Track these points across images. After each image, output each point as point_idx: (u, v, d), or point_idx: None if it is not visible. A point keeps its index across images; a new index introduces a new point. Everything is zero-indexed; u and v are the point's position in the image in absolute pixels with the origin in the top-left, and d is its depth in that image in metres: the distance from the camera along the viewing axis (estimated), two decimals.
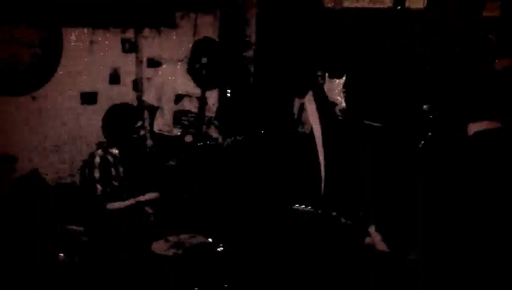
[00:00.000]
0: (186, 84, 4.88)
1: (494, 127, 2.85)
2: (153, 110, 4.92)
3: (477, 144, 2.81)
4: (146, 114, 4.92)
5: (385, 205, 3.81)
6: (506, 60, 4.35)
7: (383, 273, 3.16)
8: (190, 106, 4.92)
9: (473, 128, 2.87)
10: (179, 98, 4.87)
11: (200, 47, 4.86)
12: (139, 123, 4.08)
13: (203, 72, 4.80)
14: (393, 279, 3.11)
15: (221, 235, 3.72)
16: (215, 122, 5.07)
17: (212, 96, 5.01)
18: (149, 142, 4.89)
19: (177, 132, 4.90)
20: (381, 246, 3.14)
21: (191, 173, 4.79)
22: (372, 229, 3.14)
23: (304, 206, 3.89)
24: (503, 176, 2.72)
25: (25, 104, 4.95)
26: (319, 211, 3.78)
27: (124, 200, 4.01)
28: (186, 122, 4.91)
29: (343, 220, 3.52)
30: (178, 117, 4.91)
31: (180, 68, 4.90)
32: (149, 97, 4.93)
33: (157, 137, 4.93)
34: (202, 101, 4.90)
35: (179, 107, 4.89)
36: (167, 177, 4.56)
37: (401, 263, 3.09)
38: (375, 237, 3.17)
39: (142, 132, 4.10)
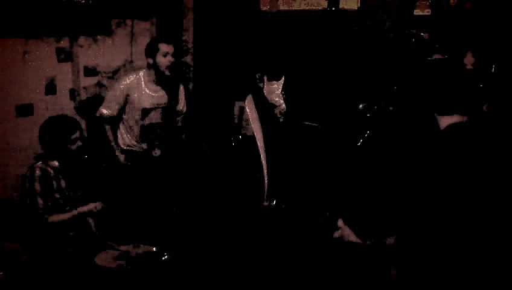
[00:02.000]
0: (153, 96, 4.75)
1: (463, 120, 2.89)
2: (113, 123, 4.80)
3: (451, 137, 2.84)
4: (108, 128, 4.78)
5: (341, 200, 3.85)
6: (438, 56, 4.48)
7: (359, 263, 3.19)
8: (157, 117, 4.80)
9: (444, 121, 2.89)
10: (146, 111, 4.75)
11: (154, 46, 4.70)
12: (77, 134, 4.00)
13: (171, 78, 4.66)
14: (369, 268, 3.14)
15: (167, 244, 3.69)
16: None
17: (179, 104, 4.91)
18: (121, 156, 4.78)
19: (144, 146, 4.79)
20: (352, 237, 3.17)
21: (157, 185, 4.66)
22: (340, 222, 3.16)
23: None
24: (475, 167, 2.78)
25: None
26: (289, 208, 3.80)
27: (66, 213, 3.94)
28: (153, 136, 4.79)
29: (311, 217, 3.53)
30: (146, 131, 4.77)
31: (145, 78, 4.74)
32: (108, 110, 4.74)
33: (126, 152, 4.80)
34: (169, 110, 4.79)
35: (147, 120, 4.76)
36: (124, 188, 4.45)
37: (375, 250, 3.11)
38: (344, 230, 3.19)
39: (79, 143, 4.01)
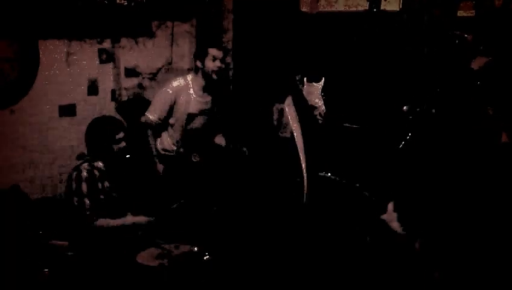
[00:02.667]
0: (200, 101, 4.78)
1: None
2: (157, 128, 4.83)
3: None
4: (150, 132, 4.82)
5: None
6: (482, 59, 4.40)
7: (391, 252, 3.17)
8: (201, 122, 4.83)
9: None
10: (191, 116, 4.79)
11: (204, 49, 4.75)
12: (121, 135, 4.04)
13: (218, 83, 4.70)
14: (398, 260, 3.12)
15: (210, 244, 3.70)
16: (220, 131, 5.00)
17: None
18: (159, 164, 4.81)
19: (183, 151, 4.82)
20: (396, 225, 3.15)
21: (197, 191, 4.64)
22: (390, 205, 3.13)
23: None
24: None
25: (3, 118, 4.89)
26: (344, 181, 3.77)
27: (113, 216, 3.97)
28: (194, 140, 4.81)
29: (366, 193, 3.51)
30: (188, 136, 4.81)
31: (193, 84, 4.78)
32: (154, 114, 4.78)
33: (162, 157, 4.83)
34: (212, 114, 4.81)
35: (191, 125, 4.80)
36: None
37: (408, 247, 3.09)
38: (390, 215, 3.17)
39: (123, 144, 4.05)
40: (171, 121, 4.76)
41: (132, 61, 5.59)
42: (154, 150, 4.81)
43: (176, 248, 3.72)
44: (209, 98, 4.80)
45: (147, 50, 5.65)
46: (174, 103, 4.71)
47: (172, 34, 5.80)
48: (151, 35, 5.67)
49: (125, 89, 5.56)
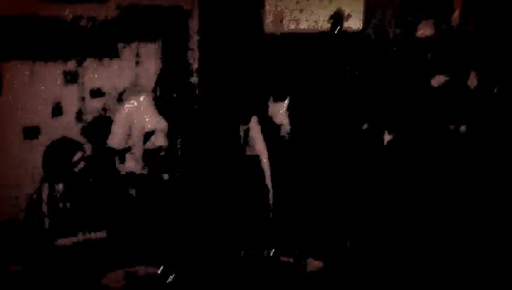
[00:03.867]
0: (154, 119, 4.72)
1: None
2: (122, 153, 4.80)
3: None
4: (117, 160, 4.78)
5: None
6: (441, 77, 4.51)
7: None
8: (160, 141, 4.78)
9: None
10: (148, 135, 4.77)
11: (169, 76, 4.71)
12: (79, 156, 4.03)
13: (173, 103, 4.64)
14: None
15: (176, 266, 3.69)
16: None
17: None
18: (131, 191, 4.77)
19: (147, 171, 4.77)
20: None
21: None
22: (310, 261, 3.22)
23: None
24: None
25: None
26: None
27: (74, 236, 3.95)
28: (158, 160, 4.80)
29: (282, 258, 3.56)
30: (149, 156, 4.78)
31: (146, 102, 4.75)
32: (116, 140, 4.71)
33: (129, 179, 4.80)
34: (171, 132, 4.77)
35: (149, 145, 4.77)
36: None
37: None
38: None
39: (82, 165, 4.04)
40: (130, 143, 4.74)
41: (97, 82, 5.57)
42: (121, 174, 4.78)
43: (142, 270, 3.69)
44: (166, 116, 4.77)
45: (112, 71, 5.64)
46: (131, 124, 4.69)
47: (138, 55, 5.80)
48: (117, 55, 5.67)
49: (91, 110, 5.53)
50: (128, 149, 4.75)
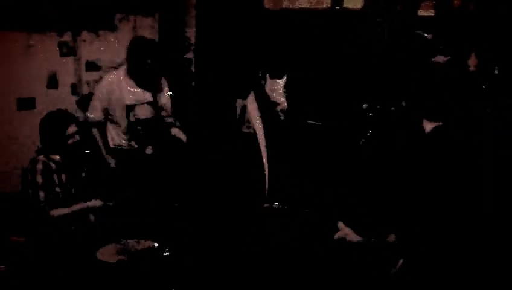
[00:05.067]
0: (133, 92, 4.69)
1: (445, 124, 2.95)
2: (102, 125, 4.76)
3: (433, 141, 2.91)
4: (95, 131, 4.74)
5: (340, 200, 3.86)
6: (441, 58, 4.47)
7: (362, 262, 3.20)
8: (144, 113, 4.77)
9: (428, 126, 2.96)
10: (129, 108, 4.74)
11: (139, 47, 4.64)
12: (73, 129, 4.01)
13: (149, 73, 4.61)
14: (373, 266, 3.16)
15: (170, 240, 3.68)
16: (177, 123, 4.93)
17: (164, 100, 4.86)
18: (109, 159, 4.75)
19: (134, 144, 4.77)
20: (354, 237, 3.19)
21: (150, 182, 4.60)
22: (340, 224, 3.19)
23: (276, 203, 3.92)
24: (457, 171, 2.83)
25: None
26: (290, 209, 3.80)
27: (68, 207, 3.95)
28: (143, 132, 4.75)
29: (313, 217, 3.54)
30: (133, 128, 4.76)
31: (124, 75, 4.67)
32: (95, 113, 4.73)
33: (115, 152, 4.77)
34: (155, 105, 4.76)
35: (132, 117, 4.75)
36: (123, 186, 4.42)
37: (378, 247, 3.14)
38: (344, 230, 3.21)
39: (77, 138, 4.03)
40: (111, 116, 4.70)
41: (93, 55, 5.53)
42: (103, 147, 4.74)
43: (136, 244, 3.68)
44: (146, 88, 4.71)
45: (108, 44, 5.59)
46: (110, 97, 4.64)
47: (135, 28, 5.74)
48: (114, 28, 5.62)
49: (87, 82, 5.49)
50: (102, 123, 4.71)
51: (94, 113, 4.70)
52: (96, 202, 4.04)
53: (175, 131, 4.94)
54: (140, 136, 4.73)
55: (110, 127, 4.76)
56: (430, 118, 2.96)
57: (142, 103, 4.70)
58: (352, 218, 3.20)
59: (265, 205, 3.99)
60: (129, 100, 4.64)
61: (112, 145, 4.77)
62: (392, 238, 3.02)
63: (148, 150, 4.73)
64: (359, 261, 3.14)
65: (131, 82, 4.64)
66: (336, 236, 3.18)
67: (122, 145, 4.76)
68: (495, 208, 2.80)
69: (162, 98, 4.79)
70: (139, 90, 4.66)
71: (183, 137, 4.93)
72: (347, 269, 3.16)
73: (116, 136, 4.77)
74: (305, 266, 3.33)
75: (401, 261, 2.95)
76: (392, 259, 2.99)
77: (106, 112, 4.68)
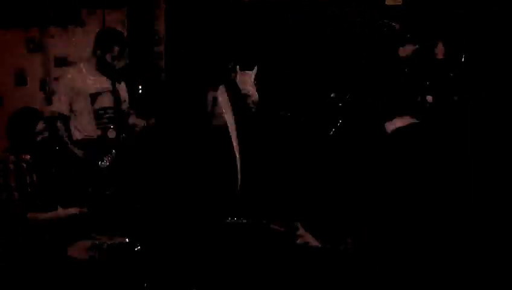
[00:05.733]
0: (96, 81, 4.71)
1: (407, 123, 2.97)
2: (66, 118, 4.72)
3: (396, 141, 2.94)
4: (60, 125, 4.70)
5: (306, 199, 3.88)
6: (410, 47, 4.51)
7: (320, 267, 3.22)
8: (106, 102, 4.77)
9: (390, 127, 2.99)
10: (93, 97, 4.71)
11: (105, 38, 4.61)
12: (41, 126, 3.96)
13: (111, 63, 4.63)
14: (330, 270, 3.17)
15: (142, 234, 3.67)
16: (133, 110, 4.90)
17: (122, 90, 4.85)
18: (77, 151, 4.70)
19: (99, 132, 4.73)
20: (314, 242, 3.22)
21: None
22: (300, 230, 3.22)
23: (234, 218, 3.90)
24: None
25: None
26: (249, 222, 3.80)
27: (43, 209, 3.89)
28: (107, 120, 4.73)
29: (272, 226, 3.56)
30: (100, 116, 4.73)
31: (86, 66, 4.72)
32: (58, 106, 4.70)
33: (83, 143, 4.73)
34: (115, 93, 4.73)
35: (97, 106, 4.73)
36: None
37: (335, 253, 3.16)
38: (305, 236, 3.24)
39: (45, 134, 3.97)
40: (75, 106, 4.68)
41: (62, 51, 5.46)
42: (67, 140, 4.71)
43: (109, 240, 3.67)
44: (105, 78, 4.71)
45: (77, 38, 5.53)
46: (73, 89, 4.63)
47: (103, 22, 5.68)
48: (81, 23, 5.55)
49: (56, 78, 5.43)
50: (66, 116, 4.68)
51: (59, 106, 4.66)
52: (72, 210, 3.98)
53: (133, 119, 4.92)
54: (104, 123, 4.71)
55: (73, 119, 4.73)
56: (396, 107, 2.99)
57: (104, 92, 4.68)
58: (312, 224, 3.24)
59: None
60: (92, 89, 4.63)
61: (74, 138, 4.74)
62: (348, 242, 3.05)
63: (111, 134, 4.70)
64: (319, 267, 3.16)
65: (95, 72, 4.63)
66: (298, 241, 3.21)
67: (87, 136, 4.73)
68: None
69: (121, 89, 4.79)
70: (101, 80, 4.65)
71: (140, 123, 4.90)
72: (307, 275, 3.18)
73: (86, 127, 4.73)
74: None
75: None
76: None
77: (70, 104, 4.65)
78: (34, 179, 3.94)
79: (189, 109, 4.79)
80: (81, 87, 4.61)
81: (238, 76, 5.05)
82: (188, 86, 4.99)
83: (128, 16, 5.79)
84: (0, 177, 3.83)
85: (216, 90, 4.61)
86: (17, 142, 3.95)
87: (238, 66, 5.01)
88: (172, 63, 5.76)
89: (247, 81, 5.07)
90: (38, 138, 3.94)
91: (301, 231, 3.21)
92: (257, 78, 4.96)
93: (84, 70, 4.64)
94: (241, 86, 4.95)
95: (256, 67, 4.98)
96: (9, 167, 3.85)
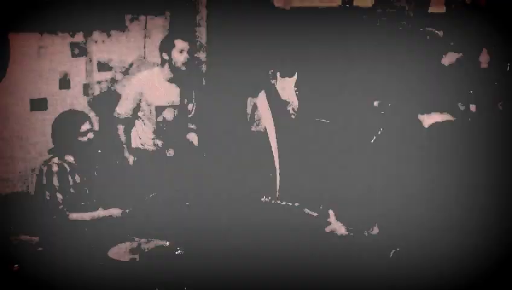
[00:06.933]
0: (165, 93, 4.74)
1: (447, 120, 2.95)
2: (128, 123, 4.78)
3: (431, 136, 2.92)
4: (121, 129, 4.77)
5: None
6: (452, 55, 4.45)
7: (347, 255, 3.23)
8: (171, 115, 4.81)
9: (427, 121, 2.97)
10: (160, 109, 4.76)
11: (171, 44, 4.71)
12: (87, 127, 4.01)
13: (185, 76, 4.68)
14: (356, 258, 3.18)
15: (182, 238, 3.69)
16: (193, 126, 4.95)
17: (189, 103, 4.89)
18: (130, 158, 4.77)
19: (158, 144, 4.80)
20: (343, 230, 3.22)
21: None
22: (331, 218, 3.22)
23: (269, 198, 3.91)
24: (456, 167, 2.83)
25: None
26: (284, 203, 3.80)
27: (85, 210, 3.96)
28: (167, 133, 4.78)
29: (306, 210, 3.56)
30: (160, 129, 4.77)
31: (158, 74, 4.76)
32: (123, 110, 4.77)
33: (137, 152, 4.79)
34: (180, 109, 4.78)
35: (161, 118, 4.77)
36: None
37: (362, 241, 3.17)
38: (335, 225, 3.24)
39: (90, 136, 4.02)
40: (140, 114, 4.74)
41: (105, 55, 5.55)
42: (124, 144, 4.77)
43: (148, 242, 3.70)
44: (177, 91, 4.76)
45: (119, 44, 5.61)
46: (141, 95, 4.68)
47: (145, 28, 5.76)
48: (124, 28, 5.64)
49: (98, 83, 5.52)
50: (130, 121, 4.73)
51: (123, 110, 4.72)
52: (114, 211, 4.04)
53: (191, 136, 4.96)
54: (166, 137, 4.75)
55: (137, 124, 4.78)
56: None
57: (172, 106, 4.73)
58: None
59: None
60: (161, 102, 4.67)
61: (136, 144, 4.80)
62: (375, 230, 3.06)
63: (170, 152, 4.76)
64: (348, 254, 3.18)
65: (167, 84, 4.68)
66: (327, 229, 3.22)
67: (145, 145, 4.77)
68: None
69: (190, 102, 4.82)
70: (171, 93, 4.69)
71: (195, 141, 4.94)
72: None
73: (141, 135, 4.78)
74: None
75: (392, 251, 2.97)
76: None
77: (134, 110, 4.70)
78: (76, 180, 4.01)
79: (230, 115, 4.82)
80: (149, 97, 4.65)
81: (278, 82, 5.06)
82: (229, 91, 5.01)
83: (171, 21, 5.85)
84: (44, 178, 3.92)
85: (256, 96, 4.62)
86: (60, 143, 4.03)
87: (278, 73, 5.03)
88: (214, 69, 5.80)
89: (287, 87, 5.08)
90: (83, 138, 4.00)
91: (332, 219, 3.22)
92: (297, 84, 4.97)
93: (156, 78, 4.69)
94: (281, 93, 4.97)
95: (296, 74, 4.98)
96: (53, 169, 3.93)
